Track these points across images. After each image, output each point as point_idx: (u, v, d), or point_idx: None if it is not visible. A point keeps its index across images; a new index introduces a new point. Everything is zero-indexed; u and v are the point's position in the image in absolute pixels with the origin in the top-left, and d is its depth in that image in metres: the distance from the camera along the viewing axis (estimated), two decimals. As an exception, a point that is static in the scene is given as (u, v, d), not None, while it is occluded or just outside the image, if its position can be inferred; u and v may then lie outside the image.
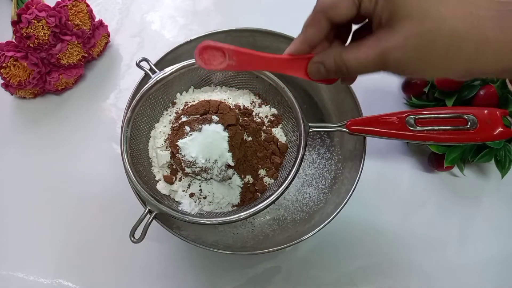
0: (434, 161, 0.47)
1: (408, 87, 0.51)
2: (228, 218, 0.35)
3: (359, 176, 0.38)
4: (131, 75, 0.55)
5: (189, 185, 0.39)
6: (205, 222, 0.35)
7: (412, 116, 0.37)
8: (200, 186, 0.38)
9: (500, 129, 0.35)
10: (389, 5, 0.24)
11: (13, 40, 0.48)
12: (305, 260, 0.45)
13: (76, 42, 0.50)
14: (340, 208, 0.37)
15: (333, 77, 0.30)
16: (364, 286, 0.44)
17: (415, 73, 0.25)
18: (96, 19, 0.53)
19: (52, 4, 0.48)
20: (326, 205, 0.42)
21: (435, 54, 0.23)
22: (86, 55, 0.53)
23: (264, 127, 0.42)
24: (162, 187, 0.39)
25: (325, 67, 0.29)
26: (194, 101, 0.42)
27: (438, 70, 0.25)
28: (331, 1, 0.26)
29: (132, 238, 0.34)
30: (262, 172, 0.40)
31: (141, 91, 0.38)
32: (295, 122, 0.40)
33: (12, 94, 0.52)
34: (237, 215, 0.35)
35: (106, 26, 0.55)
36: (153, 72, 0.39)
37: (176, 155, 0.37)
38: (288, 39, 0.43)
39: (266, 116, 0.43)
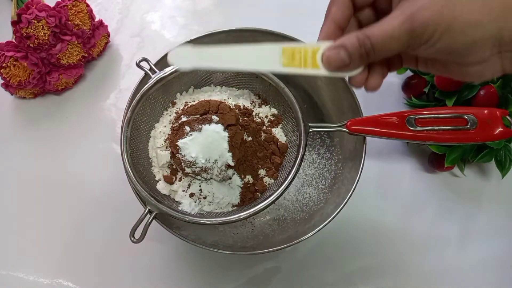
0: (434, 161, 0.47)
1: (408, 87, 0.51)
2: (228, 218, 0.35)
3: (359, 176, 0.38)
4: (131, 75, 0.55)
5: (189, 185, 0.39)
6: (205, 222, 0.35)
7: (412, 116, 0.37)
8: (200, 186, 0.38)
9: (500, 129, 0.35)
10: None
11: (13, 40, 0.48)
12: (305, 260, 0.45)
13: (76, 42, 0.50)
14: (340, 208, 0.37)
15: (356, 64, 0.25)
16: (364, 286, 0.44)
17: (445, 35, 0.23)
18: (96, 19, 0.53)
19: (52, 4, 0.48)
20: (326, 205, 0.42)
21: (464, 6, 0.22)
22: (86, 55, 0.53)
23: (264, 127, 0.42)
24: (162, 187, 0.39)
25: (347, 50, 0.25)
26: (194, 101, 0.42)
27: (469, 30, 0.23)
28: None
29: (132, 238, 0.34)
30: (262, 172, 0.40)
31: (141, 91, 0.38)
32: (295, 122, 0.40)
33: (12, 94, 0.52)
34: (237, 215, 0.35)
35: (106, 26, 0.55)
36: (153, 72, 0.39)
37: (176, 155, 0.37)
38: (288, 39, 0.43)
39: (266, 116, 0.43)
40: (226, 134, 0.37)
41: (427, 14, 0.22)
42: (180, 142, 0.37)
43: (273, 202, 0.36)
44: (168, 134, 0.40)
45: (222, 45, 0.28)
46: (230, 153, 0.37)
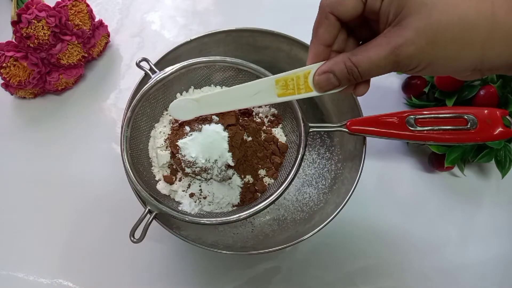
0: (434, 161, 0.47)
1: (408, 87, 0.51)
2: (228, 218, 0.35)
3: (359, 176, 0.38)
4: (131, 75, 0.55)
5: (189, 185, 0.39)
6: (205, 222, 0.35)
7: (412, 116, 0.37)
8: (200, 186, 0.38)
9: (500, 129, 0.35)
10: (398, 3, 0.24)
11: (13, 40, 0.48)
12: (305, 260, 0.45)
13: (76, 42, 0.50)
14: (340, 208, 0.37)
15: (344, 85, 0.28)
16: (365, 286, 0.44)
17: (427, 67, 0.25)
18: (96, 19, 0.53)
19: (52, 4, 0.48)
20: (326, 205, 0.42)
21: (447, 44, 0.23)
22: (86, 55, 0.53)
23: (264, 127, 0.42)
24: (162, 187, 0.39)
25: (336, 75, 0.27)
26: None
27: (451, 63, 0.24)
28: None
29: (132, 238, 0.34)
30: (262, 172, 0.40)
31: (141, 91, 0.38)
32: (295, 122, 0.40)
33: (12, 94, 0.52)
34: (237, 215, 0.35)
35: (106, 26, 0.55)
36: (153, 72, 0.39)
37: (176, 155, 0.37)
38: (288, 39, 0.43)
39: (266, 116, 0.43)
40: (226, 134, 0.37)
41: (411, 50, 0.24)
42: (180, 142, 0.37)
43: (273, 202, 0.36)
44: (168, 134, 0.40)
45: (218, 91, 0.31)
46: (230, 153, 0.37)
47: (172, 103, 0.34)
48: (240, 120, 0.40)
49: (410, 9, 0.23)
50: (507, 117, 0.36)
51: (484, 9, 0.23)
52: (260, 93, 0.30)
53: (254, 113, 0.42)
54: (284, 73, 0.29)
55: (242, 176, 0.39)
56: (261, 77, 0.41)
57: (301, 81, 0.29)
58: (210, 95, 0.32)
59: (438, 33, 0.23)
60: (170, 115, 0.31)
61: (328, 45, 0.28)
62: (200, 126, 0.37)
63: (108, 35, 0.56)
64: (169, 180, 0.39)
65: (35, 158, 0.50)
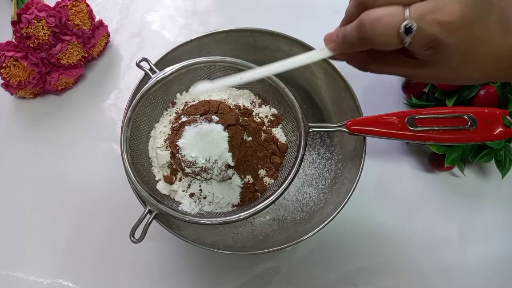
0: (434, 161, 0.47)
1: (408, 87, 0.51)
2: (228, 218, 0.35)
3: (359, 176, 0.38)
4: (131, 75, 0.55)
5: (189, 185, 0.39)
6: (205, 222, 0.35)
7: (412, 116, 0.37)
8: (200, 186, 0.38)
9: (500, 129, 0.35)
10: (432, 56, 0.24)
11: (13, 40, 0.48)
12: (305, 260, 0.45)
13: (76, 42, 0.50)
14: (340, 208, 0.37)
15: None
16: (365, 286, 0.44)
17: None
18: (96, 19, 0.53)
19: (52, 4, 0.48)
20: (326, 205, 0.42)
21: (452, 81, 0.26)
22: (86, 55, 0.53)
23: (264, 127, 0.42)
24: (162, 187, 0.39)
25: (347, 62, 0.29)
26: (194, 101, 0.42)
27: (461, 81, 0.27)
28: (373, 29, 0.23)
29: (132, 238, 0.34)
30: (262, 172, 0.40)
31: (141, 91, 0.38)
32: (295, 122, 0.40)
33: (12, 94, 0.52)
34: (237, 215, 0.35)
35: (106, 26, 0.55)
36: (153, 72, 0.39)
37: (176, 155, 0.37)
38: (288, 39, 0.43)
39: (266, 116, 0.43)
40: (226, 134, 0.37)
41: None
42: (180, 142, 0.37)
43: (273, 202, 0.36)
44: (168, 134, 0.40)
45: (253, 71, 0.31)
46: (230, 153, 0.37)
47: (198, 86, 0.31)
48: (240, 120, 0.40)
49: (438, 62, 0.24)
50: (507, 117, 0.36)
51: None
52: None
53: (254, 113, 0.42)
54: (301, 57, 0.29)
55: (242, 176, 0.39)
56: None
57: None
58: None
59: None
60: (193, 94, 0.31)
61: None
62: (200, 124, 0.37)
63: (108, 35, 0.56)
64: (169, 180, 0.39)
65: (35, 158, 0.50)
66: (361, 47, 0.25)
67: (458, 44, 0.23)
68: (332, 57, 0.28)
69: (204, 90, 0.30)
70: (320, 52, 0.28)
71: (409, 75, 0.27)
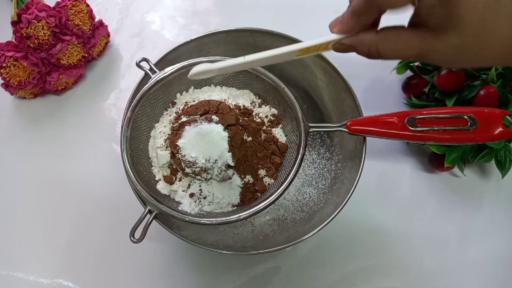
0: (434, 161, 0.47)
1: (408, 87, 0.51)
2: (228, 218, 0.35)
3: (359, 176, 0.38)
4: (131, 75, 0.55)
5: (189, 185, 0.39)
6: (205, 222, 0.35)
7: (412, 116, 0.37)
8: (200, 186, 0.38)
9: (500, 129, 0.35)
10: (446, 15, 0.24)
11: (13, 40, 0.48)
12: (305, 260, 0.45)
13: (76, 42, 0.50)
14: (340, 208, 0.37)
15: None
16: (365, 286, 0.44)
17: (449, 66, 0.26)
18: (96, 19, 0.53)
19: (52, 4, 0.48)
20: (326, 205, 0.42)
21: (469, 60, 0.25)
22: (86, 55, 0.53)
23: (264, 127, 0.42)
24: (162, 187, 0.39)
25: (356, 50, 0.28)
26: (194, 101, 0.42)
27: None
28: None
29: (132, 238, 0.34)
30: (262, 172, 0.40)
31: (141, 91, 0.38)
32: (295, 122, 0.40)
33: (12, 94, 0.52)
34: (237, 215, 0.35)
35: (106, 26, 0.55)
36: (153, 72, 0.39)
37: (176, 155, 0.37)
38: (288, 39, 0.43)
39: (266, 116, 0.43)
40: (226, 134, 0.37)
41: (437, 57, 0.26)
42: (180, 142, 0.37)
43: (273, 202, 0.36)
44: (168, 134, 0.40)
45: (240, 60, 0.29)
46: (230, 153, 0.37)
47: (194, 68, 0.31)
48: (240, 120, 0.40)
49: (453, 25, 0.24)
50: (507, 117, 0.36)
51: None
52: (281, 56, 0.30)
53: (254, 113, 0.42)
54: (307, 42, 0.29)
55: (242, 176, 0.39)
56: (261, 77, 0.41)
57: (322, 48, 0.29)
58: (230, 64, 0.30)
59: (465, 53, 0.24)
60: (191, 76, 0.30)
61: (361, 24, 0.27)
62: (200, 124, 0.37)
63: (108, 35, 0.56)
64: (169, 180, 0.39)
65: (35, 158, 0.50)
66: (370, 13, 0.25)
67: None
68: (342, 49, 0.28)
69: (204, 70, 0.29)
70: (329, 36, 0.28)
71: (424, 54, 0.26)
